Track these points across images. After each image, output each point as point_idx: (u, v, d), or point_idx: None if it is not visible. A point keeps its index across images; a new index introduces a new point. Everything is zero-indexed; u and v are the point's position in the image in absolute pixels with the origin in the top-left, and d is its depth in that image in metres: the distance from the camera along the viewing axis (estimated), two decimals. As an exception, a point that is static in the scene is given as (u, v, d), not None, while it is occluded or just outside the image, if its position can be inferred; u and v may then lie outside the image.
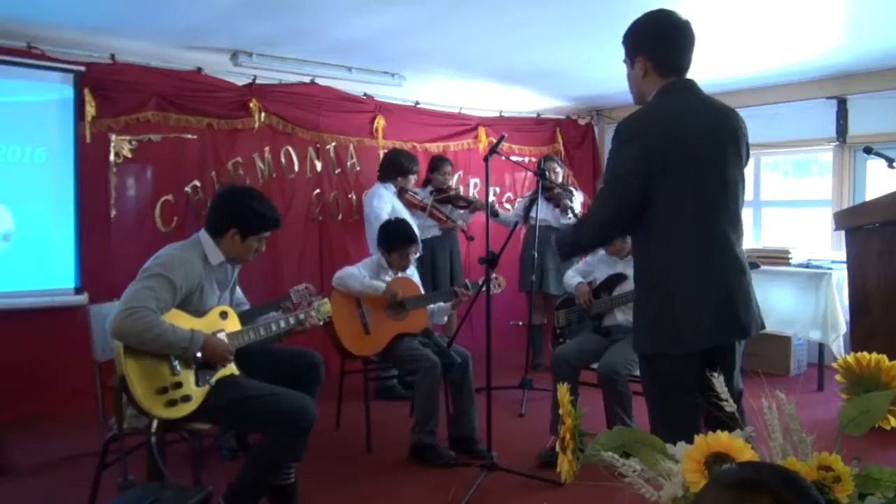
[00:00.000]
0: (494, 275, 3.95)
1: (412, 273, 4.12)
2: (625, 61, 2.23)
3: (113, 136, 4.51)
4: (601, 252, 3.90)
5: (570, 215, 5.47)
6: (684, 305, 2.06)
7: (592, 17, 3.98)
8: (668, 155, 2.04)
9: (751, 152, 2.25)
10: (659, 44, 2.15)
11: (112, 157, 4.52)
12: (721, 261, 2.09)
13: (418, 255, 4.55)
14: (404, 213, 4.73)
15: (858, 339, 3.95)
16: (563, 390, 1.36)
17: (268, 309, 3.32)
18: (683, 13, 2.18)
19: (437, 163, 5.27)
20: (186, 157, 4.83)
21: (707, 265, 2.08)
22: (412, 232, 4.02)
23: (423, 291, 4.03)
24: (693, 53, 2.16)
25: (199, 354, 2.58)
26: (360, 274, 3.83)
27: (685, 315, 2.06)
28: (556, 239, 2.48)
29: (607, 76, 5.51)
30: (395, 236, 3.95)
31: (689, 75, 2.20)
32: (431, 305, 4.01)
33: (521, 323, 5.86)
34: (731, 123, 2.16)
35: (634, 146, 2.07)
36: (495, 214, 5.36)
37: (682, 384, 2.04)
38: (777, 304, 4.83)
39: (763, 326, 2.20)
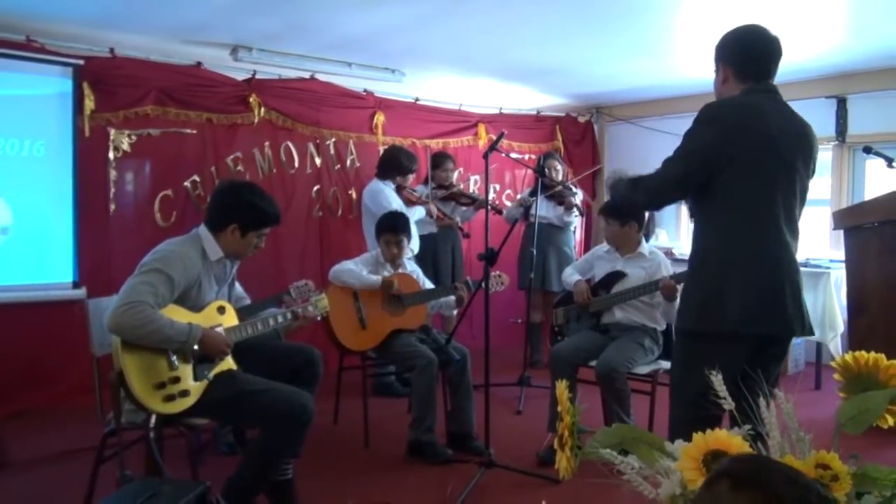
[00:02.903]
0: (498, 272, 3.95)
1: (414, 269, 4.12)
2: (715, 68, 2.33)
3: (112, 131, 4.50)
4: (603, 248, 3.90)
5: (576, 212, 5.48)
6: (736, 287, 2.12)
7: (593, 15, 3.97)
8: (744, 143, 2.11)
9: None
10: (741, 54, 2.26)
11: (111, 152, 4.51)
12: (778, 256, 2.16)
13: (415, 252, 4.55)
14: (404, 210, 4.71)
15: (856, 338, 3.95)
16: (562, 388, 1.36)
17: (267, 304, 3.32)
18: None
19: (439, 159, 5.24)
20: (186, 152, 4.82)
21: (764, 255, 2.15)
22: (406, 224, 4.00)
23: (425, 287, 4.02)
24: (776, 67, 2.26)
25: (196, 348, 2.57)
26: (357, 268, 3.83)
27: (735, 296, 2.11)
28: (611, 185, 2.61)
29: (607, 74, 5.51)
30: (386, 224, 3.94)
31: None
32: (439, 299, 4.01)
33: (519, 320, 5.86)
34: (806, 135, 2.24)
35: (713, 128, 2.15)
36: (500, 212, 5.33)
37: (722, 366, 2.04)
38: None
39: (812, 332, 2.25)
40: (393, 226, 3.93)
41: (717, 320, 2.12)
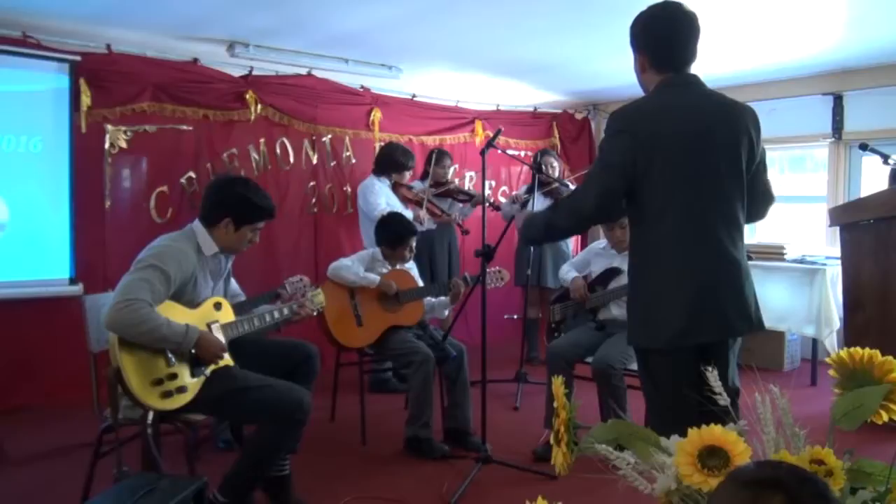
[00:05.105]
0: (497, 268, 3.95)
1: (410, 266, 4.12)
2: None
3: (108, 127, 4.49)
4: (599, 245, 3.90)
5: None
6: (667, 302, 2.05)
7: (590, 11, 3.97)
8: (654, 150, 2.01)
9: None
10: (653, 40, 2.11)
11: (107, 148, 4.50)
12: (708, 258, 2.05)
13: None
14: (399, 207, 4.71)
15: (852, 334, 3.96)
16: (558, 383, 1.36)
17: (262, 300, 3.32)
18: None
19: (437, 156, 5.23)
20: (182, 148, 4.81)
21: (691, 261, 2.04)
22: (411, 226, 4.01)
23: (419, 284, 4.03)
24: (695, 47, 2.10)
25: (192, 351, 2.57)
26: (355, 266, 3.83)
27: (667, 311, 2.05)
28: (523, 221, 2.39)
29: (604, 70, 5.51)
30: (396, 232, 3.92)
31: (691, 71, 2.16)
32: (431, 300, 4.01)
33: (515, 317, 5.86)
34: (732, 120, 2.09)
35: (623, 138, 2.05)
36: (498, 208, 5.32)
37: (672, 378, 2.05)
38: (771, 299, 4.84)
39: (760, 326, 2.14)
40: (408, 231, 3.93)
41: (656, 336, 2.06)
